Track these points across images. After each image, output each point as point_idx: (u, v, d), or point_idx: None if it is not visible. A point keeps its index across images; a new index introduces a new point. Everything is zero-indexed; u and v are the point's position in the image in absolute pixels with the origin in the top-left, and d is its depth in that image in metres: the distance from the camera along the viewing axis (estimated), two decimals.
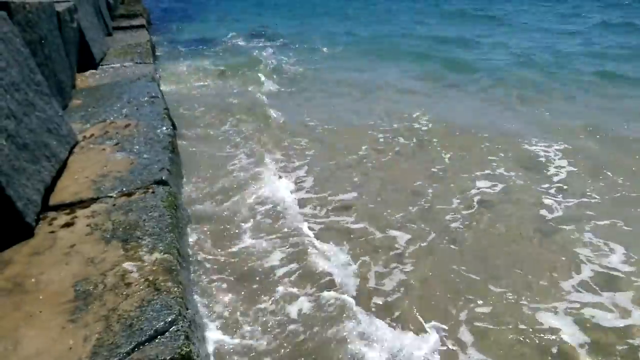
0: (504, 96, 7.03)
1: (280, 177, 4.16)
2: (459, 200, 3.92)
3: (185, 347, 1.57)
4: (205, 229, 3.27)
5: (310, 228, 3.40)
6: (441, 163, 4.66)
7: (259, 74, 7.95)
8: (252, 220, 3.42)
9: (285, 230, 3.30)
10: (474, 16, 15.61)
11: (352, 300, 2.65)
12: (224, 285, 2.74)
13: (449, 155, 4.81)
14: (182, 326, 1.65)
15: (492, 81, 7.78)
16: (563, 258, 3.18)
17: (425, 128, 5.57)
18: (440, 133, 5.40)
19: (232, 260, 2.97)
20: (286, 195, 3.77)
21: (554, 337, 2.50)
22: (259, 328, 2.42)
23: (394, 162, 4.69)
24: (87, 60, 5.36)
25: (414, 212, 3.74)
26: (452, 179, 4.31)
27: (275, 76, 8.03)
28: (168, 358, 1.52)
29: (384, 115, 5.97)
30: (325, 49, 10.37)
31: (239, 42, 11.33)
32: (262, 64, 8.63)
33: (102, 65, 5.66)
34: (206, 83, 7.42)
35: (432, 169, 4.51)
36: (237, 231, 3.28)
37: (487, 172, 4.44)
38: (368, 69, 8.62)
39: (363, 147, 4.93)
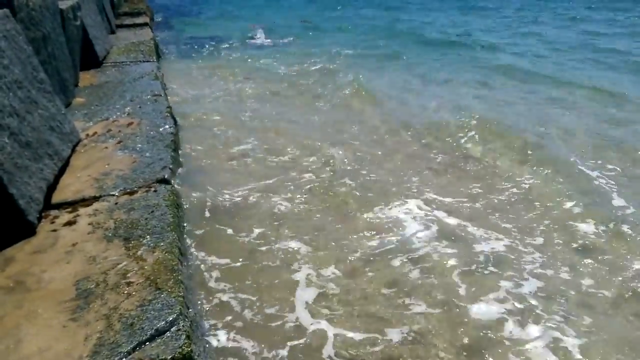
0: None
1: None
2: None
3: (186, 347, 1.57)
4: None
5: None
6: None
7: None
8: None
9: None
10: None
11: None
12: None
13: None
14: (183, 326, 1.65)
15: None
16: None
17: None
18: None
19: None
20: None
21: None
22: None
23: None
24: (90, 58, 5.37)
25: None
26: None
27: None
28: (169, 357, 1.52)
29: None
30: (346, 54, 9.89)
31: (239, 41, 11.33)
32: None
33: (105, 63, 5.67)
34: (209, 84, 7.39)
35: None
36: None
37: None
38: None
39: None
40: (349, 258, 2.92)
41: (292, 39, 11.47)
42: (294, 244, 3.03)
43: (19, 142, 2.32)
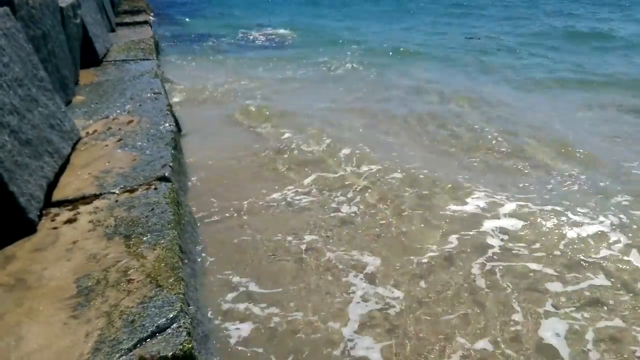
0: None
1: None
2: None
3: (187, 344, 1.57)
4: None
5: None
6: None
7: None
8: None
9: None
10: None
11: None
12: None
13: None
14: (183, 323, 1.65)
15: None
16: None
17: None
18: None
19: None
20: None
21: None
22: None
23: None
24: (91, 57, 5.36)
25: None
26: None
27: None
28: (169, 354, 1.52)
29: None
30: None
31: (239, 39, 11.34)
32: None
33: (105, 61, 5.66)
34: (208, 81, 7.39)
35: None
36: None
37: None
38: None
39: None
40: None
41: (290, 38, 11.49)
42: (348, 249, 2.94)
43: (19, 140, 2.32)
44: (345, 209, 3.45)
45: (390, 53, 9.50)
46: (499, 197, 3.63)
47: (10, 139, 2.23)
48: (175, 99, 5.96)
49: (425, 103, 6.33)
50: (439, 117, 5.60)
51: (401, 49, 9.72)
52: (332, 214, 3.36)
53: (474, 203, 3.53)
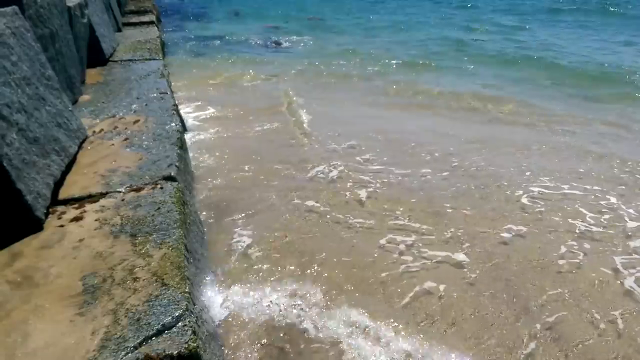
0: None
1: None
2: None
3: (192, 342, 1.57)
4: None
5: None
6: None
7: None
8: None
9: None
10: None
11: None
12: None
13: None
14: (189, 321, 1.65)
15: None
16: None
17: None
18: None
19: None
20: None
21: None
22: None
23: None
24: (97, 56, 5.39)
25: None
26: None
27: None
28: (175, 353, 1.52)
29: None
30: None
31: (248, 40, 11.36)
32: None
33: (111, 60, 5.69)
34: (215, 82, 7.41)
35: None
36: None
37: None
38: None
39: None
40: None
41: (303, 40, 11.52)
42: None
43: (27, 138, 2.34)
44: None
45: None
46: None
47: (18, 137, 2.25)
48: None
49: None
50: None
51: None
52: None
53: None
